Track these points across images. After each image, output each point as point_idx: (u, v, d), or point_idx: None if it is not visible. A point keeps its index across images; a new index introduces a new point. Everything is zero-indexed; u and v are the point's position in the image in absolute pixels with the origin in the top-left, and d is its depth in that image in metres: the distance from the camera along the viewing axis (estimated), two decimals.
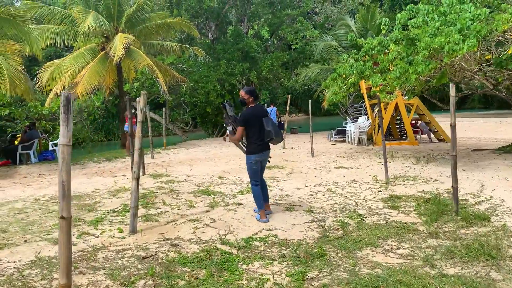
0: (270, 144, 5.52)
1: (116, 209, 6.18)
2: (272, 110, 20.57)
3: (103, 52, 16.39)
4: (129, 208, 6.01)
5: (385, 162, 7.96)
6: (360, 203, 6.31)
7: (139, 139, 5.09)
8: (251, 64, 22.12)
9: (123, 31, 16.53)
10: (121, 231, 5.04)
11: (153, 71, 16.18)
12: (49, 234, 4.99)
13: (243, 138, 5.55)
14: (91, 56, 16.40)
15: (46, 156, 13.22)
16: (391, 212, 5.76)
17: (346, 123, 25.53)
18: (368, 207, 6.06)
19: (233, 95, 23.88)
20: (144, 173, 9.38)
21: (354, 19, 21.54)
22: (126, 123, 14.71)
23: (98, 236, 4.89)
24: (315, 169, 9.63)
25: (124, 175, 9.55)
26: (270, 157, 5.89)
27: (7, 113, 16.24)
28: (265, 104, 17.66)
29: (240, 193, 7.16)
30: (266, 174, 9.00)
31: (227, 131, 5.90)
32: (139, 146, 5.09)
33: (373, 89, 12.60)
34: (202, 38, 24.48)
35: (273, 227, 5.14)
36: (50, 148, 14.20)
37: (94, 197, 7.19)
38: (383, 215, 5.64)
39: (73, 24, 15.84)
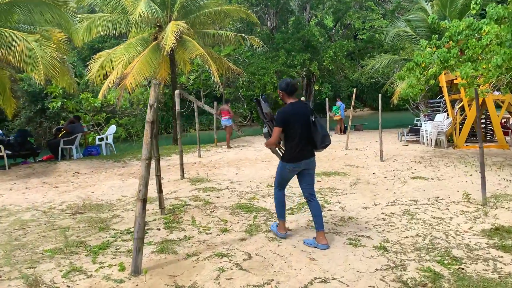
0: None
1: (132, 229, 4.94)
2: (341, 105, 18.74)
3: (155, 42, 15.51)
4: (148, 229, 4.77)
5: (483, 178, 6.04)
6: (453, 237, 4.56)
7: (146, 146, 3.77)
8: (313, 54, 20.37)
9: (176, 19, 15.55)
10: (123, 269, 3.74)
11: (206, 61, 15.06)
12: (33, 267, 3.82)
13: (281, 143, 4.41)
14: (143, 46, 15.61)
15: (91, 151, 12.53)
16: (502, 257, 3.98)
17: (418, 120, 23.10)
18: (466, 245, 4.31)
19: None
20: (182, 177, 8.16)
21: (431, 2, 18.99)
22: (223, 117, 14.12)
23: (90, 276, 3.63)
24: (386, 179, 7.88)
25: (162, 178, 8.40)
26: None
27: (59, 105, 15.95)
28: (327, 98, 15.95)
29: (289, 211, 5.66)
30: (324, 184, 7.43)
31: (263, 132, 4.60)
32: (146, 155, 3.76)
33: (461, 81, 10.55)
34: (261, 28, 23.04)
35: (330, 275, 3.60)
36: (97, 142, 13.54)
37: (115, 208, 6.04)
38: (490, 261, 3.89)
39: (125, 13, 15.07)
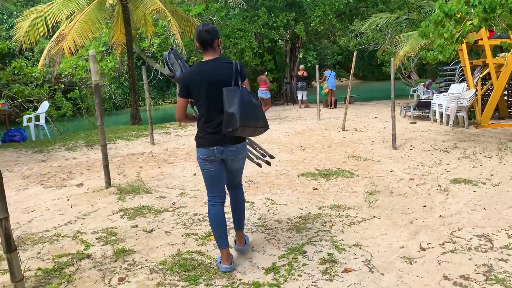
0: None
1: None
2: (330, 74, 15.97)
3: None
4: None
5: None
6: None
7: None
8: (298, 14, 17.35)
9: None
10: None
11: (165, 17, 12.06)
12: None
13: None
14: (87, 1, 12.44)
15: (12, 136, 9.56)
16: None
17: (414, 91, 20.55)
18: None
19: (275, 54, 19.36)
20: (108, 185, 5.37)
21: None
22: (260, 88, 12.85)
23: None
24: (415, 184, 5.26)
25: (81, 185, 5.61)
26: (268, 161, 3.78)
27: None
28: (316, 65, 13.15)
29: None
30: (324, 195, 4.73)
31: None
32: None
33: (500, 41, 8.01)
34: None
35: None
36: (25, 124, 10.53)
37: None
38: None
39: None
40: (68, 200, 4.84)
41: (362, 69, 47.83)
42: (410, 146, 7.84)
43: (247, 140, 3.29)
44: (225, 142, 2.94)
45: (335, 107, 16.13)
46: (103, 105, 17.10)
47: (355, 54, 9.65)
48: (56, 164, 7.09)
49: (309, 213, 4.27)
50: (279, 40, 19.15)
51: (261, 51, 17.18)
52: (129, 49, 13.85)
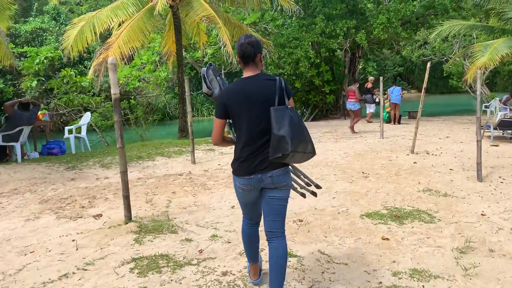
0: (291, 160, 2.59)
1: None
2: (394, 89, 14.46)
3: (152, 3, 11.79)
4: None
5: None
6: None
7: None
8: (359, 21, 16.04)
9: None
10: None
11: (215, 24, 11.30)
12: None
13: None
14: (136, 8, 11.96)
15: (51, 149, 9.08)
16: None
17: (486, 107, 18.44)
18: None
19: (332, 65, 18.10)
20: (129, 218, 4.46)
21: None
22: (349, 99, 12.09)
23: None
24: None
25: (99, 216, 4.77)
26: (315, 192, 3.27)
27: (34, 84, 12.63)
28: (380, 77, 11.82)
29: None
30: (395, 247, 3.39)
31: None
32: None
33: None
34: None
35: None
36: (66, 135, 10.09)
37: None
38: None
39: None
40: (73, 240, 3.97)
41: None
42: (499, 177, 6.37)
43: (289, 167, 2.82)
44: (265, 167, 2.62)
45: (399, 123, 14.59)
46: (153, 115, 16.57)
47: (428, 65, 8.28)
48: (84, 184, 6.36)
49: (380, 283, 3.08)
50: (338, 50, 17.90)
51: (318, 61, 16.01)
52: (179, 58, 13.23)
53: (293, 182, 2.95)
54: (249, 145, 2.63)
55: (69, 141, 9.74)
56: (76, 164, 7.81)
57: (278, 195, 2.68)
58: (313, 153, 2.62)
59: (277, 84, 2.59)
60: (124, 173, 4.37)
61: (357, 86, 12.82)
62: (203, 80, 3.02)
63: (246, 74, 2.68)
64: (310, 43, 15.62)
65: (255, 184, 2.65)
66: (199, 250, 3.72)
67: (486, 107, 18.21)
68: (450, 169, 6.98)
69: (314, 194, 3.31)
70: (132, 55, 12.55)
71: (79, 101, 13.82)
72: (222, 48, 12.25)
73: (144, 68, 19.31)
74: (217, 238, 4.01)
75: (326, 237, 4.03)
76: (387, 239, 3.94)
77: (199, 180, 6.56)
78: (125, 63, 15.30)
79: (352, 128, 12.18)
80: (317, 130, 13.26)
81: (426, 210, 4.82)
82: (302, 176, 3.22)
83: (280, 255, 2.66)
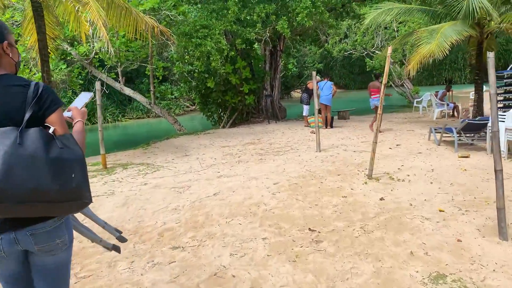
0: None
1: None
2: (324, 85, 12.02)
3: None
4: None
5: None
6: None
7: None
8: (280, 7, 13.42)
9: None
10: None
11: (84, 5, 7.96)
12: None
13: None
14: None
15: None
16: None
17: (418, 102, 16.92)
18: None
19: (251, 60, 15.34)
20: None
21: None
22: (373, 95, 10.82)
23: None
24: None
25: None
26: (117, 246, 2.57)
27: None
28: (314, 72, 9.24)
29: None
30: None
31: None
32: None
33: None
34: None
35: None
36: None
37: None
38: None
39: None
40: None
41: (343, 78, 44.83)
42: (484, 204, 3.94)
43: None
44: (17, 222, 1.70)
45: (331, 127, 12.22)
46: None
47: (388, 56, 5.71)
48: None
49: None
50: (256, 42, 15.19)
51: (233, 54, 13.13)
52: (44, 52, 9.59)
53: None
54: None
55: None
56: None
57: (49, 254, 1.79)
58: (85, 203, 1.68)
59: (29, 92, 1.69)
60: None
61: (381, 81, 10.31)
62: None
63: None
64: (222, 33, 12.69)
65: (7, 247, 1.73)
66: None
67: (418, 102, 16.70)
68: (440, 211, 4.45)
69: (117, 249, 2.51)
70: None
71: None
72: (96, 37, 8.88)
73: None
74: None
75: None
76: None
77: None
78: None
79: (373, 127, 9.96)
80: (237, 142, 10.41)
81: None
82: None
83: None
